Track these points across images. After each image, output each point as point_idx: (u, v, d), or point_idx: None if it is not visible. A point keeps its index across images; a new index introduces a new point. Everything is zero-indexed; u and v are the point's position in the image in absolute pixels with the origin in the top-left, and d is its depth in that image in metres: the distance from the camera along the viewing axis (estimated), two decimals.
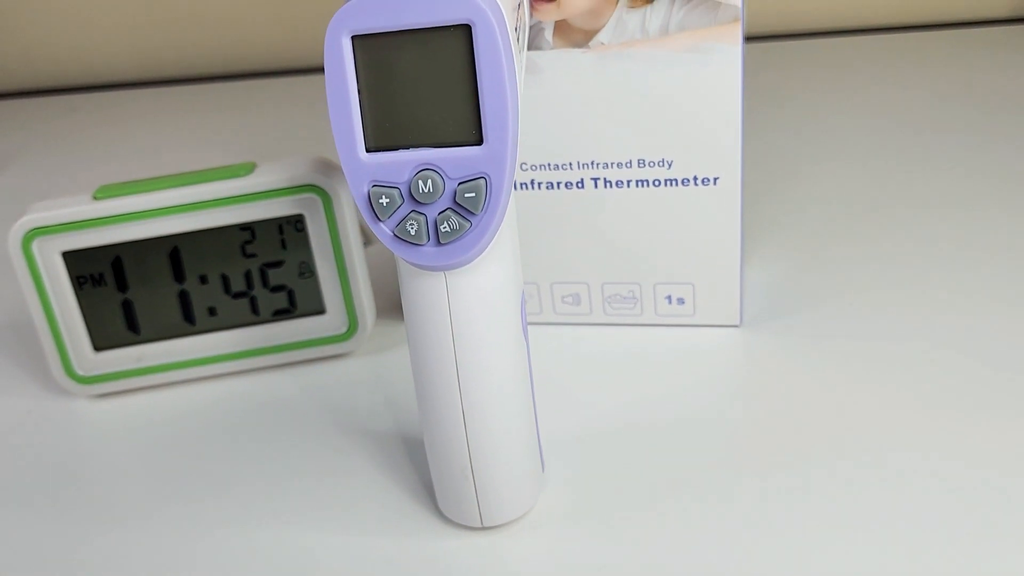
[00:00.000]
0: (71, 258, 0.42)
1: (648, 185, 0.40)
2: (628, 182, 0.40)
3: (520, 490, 0.34)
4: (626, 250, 0.42)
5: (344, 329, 0.44)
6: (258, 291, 0.44)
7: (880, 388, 0.39)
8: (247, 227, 0.42)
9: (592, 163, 0.40)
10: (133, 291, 0.43)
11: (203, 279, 0.43)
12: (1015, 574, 0.30)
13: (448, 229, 0.29)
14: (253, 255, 0.43)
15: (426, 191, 0.28)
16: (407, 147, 0.29)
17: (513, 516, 0.34)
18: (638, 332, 0.44)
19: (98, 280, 0.43)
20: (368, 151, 0.29)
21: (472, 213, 0.29)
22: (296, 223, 0.42)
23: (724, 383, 0.41)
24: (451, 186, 0.29)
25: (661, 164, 0.40)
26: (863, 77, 0.69)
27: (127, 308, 0.43)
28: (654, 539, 0.33)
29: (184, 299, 0.43)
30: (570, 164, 0.40)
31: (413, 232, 0.29)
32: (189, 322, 0.44)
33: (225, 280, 0.43)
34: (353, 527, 0.35)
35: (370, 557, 0.34)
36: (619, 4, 0.37)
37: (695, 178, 0.40)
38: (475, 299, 0.30)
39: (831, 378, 0.40)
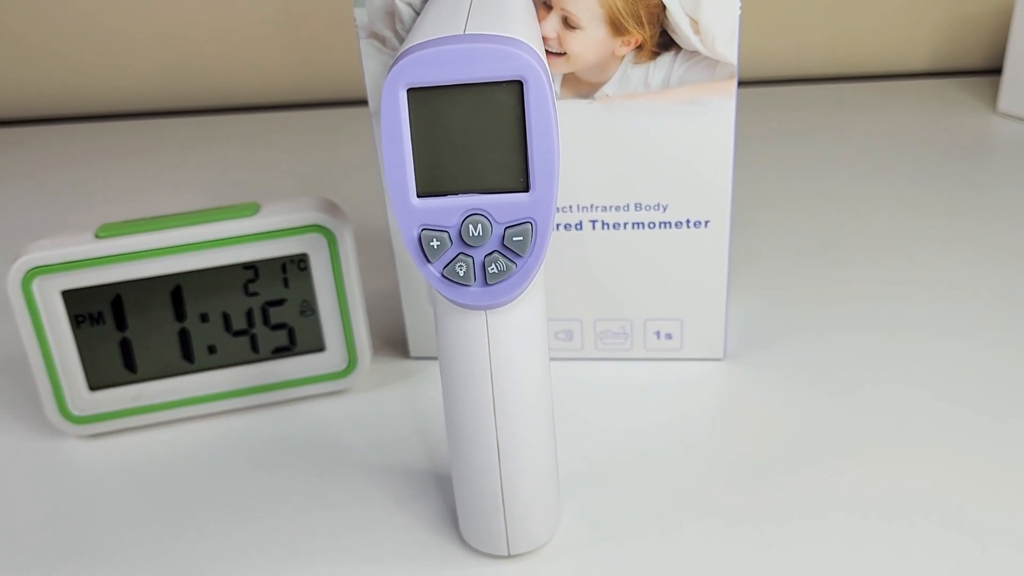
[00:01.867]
0: (71, 297, 0.42)
1: (643, 227, 0.43)
2: (624, 224, 0.43)
3: (545, 518, 0.35)
4: (619, 288, 0.44)
5: (344, 366, 0.45)
6: (259, 329, 0.44)
7: (855, 418, 0.42)
8: (251, 266, 0.43)
9: (591, 206, 0.42)
10: (132, 329, 0.43)
11: (204, 317, 0.44)
12: None
13: (496, 271, 0.30)
14: (255, 293, 0.44)
15: (476, 235, 0.30)
16: (456, 193, 0.30)
17: (538, 544, 0.36)
18: (627, 366, 0.46)
19: (96, 319, 0.43)
20: (419, 196, 0.30)
21: (519, 255, 0.30)
22: (300, 262, 0.43)
23: (711, 414, 0.43)
24: (498, 230, 0.30)
25: (656, 208, 0.42)
26: (802, 124, 0.73)
27: (124, 347, 0.43)
28: (670, 562, 0.35)
29: (184, 337, 0.44)
30: (570, 207, 0.43)
31: (462, 273, 0.31)
32: (188, 360, 0.44)
33: (226, 318, 0.44)
34: (375, 560, 0.36)
35: None
36: (624, 60, 0.39)
37: (688, 221, 0.42)
38: (514, 335, 0.32)
39: (814, 407, 0.43)
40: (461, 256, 0.31)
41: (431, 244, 0.30)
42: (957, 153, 0.66)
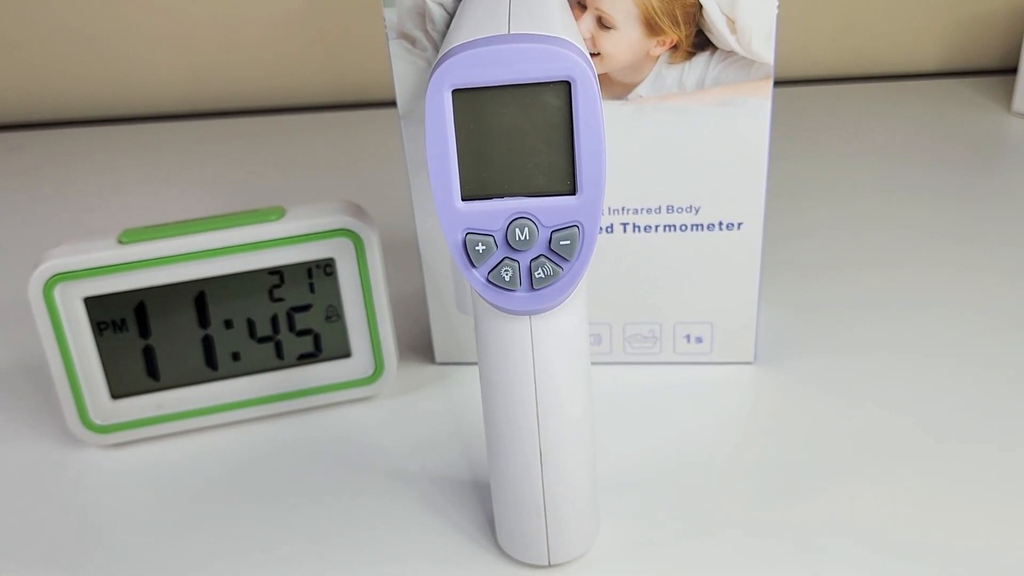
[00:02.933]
0: (93, 304, 0.41)
1: (675, 230, 0.42)
2: (656, 227, 0.42)
3: (586, 528, 0.35)
4: (649, 291, 0.44)
5: (370, 372, 0.44)
6: (284, 335, 0.43)
7: (887, 426, 0.41)
8: (276, 271, 0.42)
9: (623, 209, 0.42)
10: (155, 337, 0.42)
11: (228, 324, 0.43)
12: None
13: (542, 275, 0.30)
14: (281, 299, 0.43)
15: (522, 239, 0.29)
16: (502, 196, 0.30)
17: (578, 553, 0.35)
18: (656, 370, 0.45)
19: (120, 326, 0.42)
20: (464, 200, 0.30)
21: (566, 260, 0.30)
22: (326, 267, 0.42)
23: (742, 419, 0.43)
24: (545, 234, 0.30)
25: (689, 210, 0.42)
26: (813, 126, 0.73)
27: (148, 354, 0.43)
28: (707, 570, 0.35)
29: (208, 344, 0.43)
30: (603, 210, 0.42)
31: (508, 278, 0.30)
32: (212, 368, 0.43)
33: (251, 325, 0.43)
34: (411, 570, 0.36)
35: None
36: (659, 60, 0.38)
37: (720, 223, 0.42)
38: (558, 341, 0.31)
39: (846, 414, 0.42)
40: (507, 260, 0.30)
41: (476, 248, 0.30)
42: (972, 153, 0.66)
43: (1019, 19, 0.77)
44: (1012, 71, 0.77)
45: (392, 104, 0.41)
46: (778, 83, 0.81)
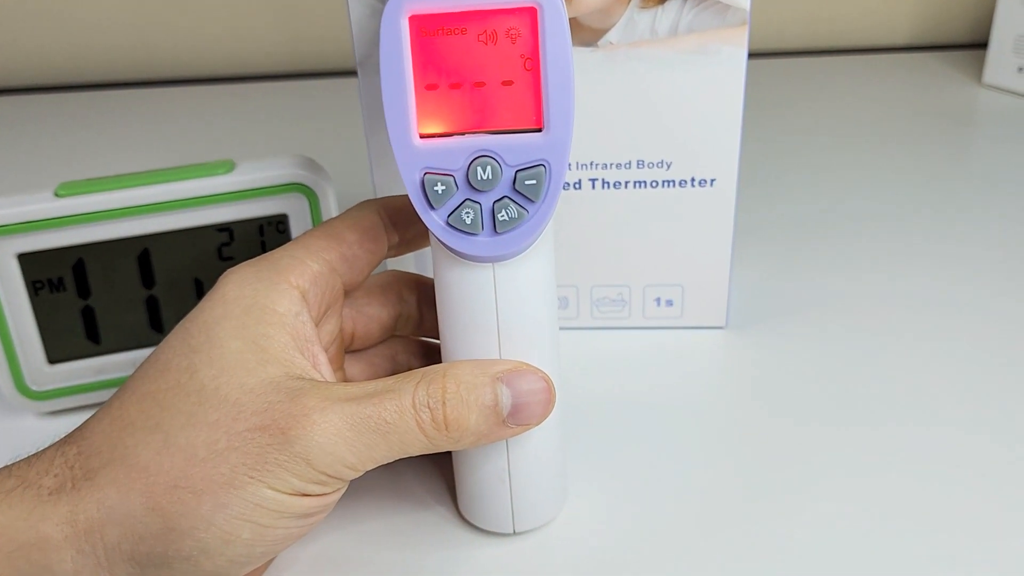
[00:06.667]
0: (28, 261, 0.38)
1: (645, 186, 0.40)
2: (626, 183, 0.40)
3: (553, 494, 0.33)
4: (618, 252, 0.42)
5: None
6: None
7: (859, 389, 0.40)
8: (225, 228, 0.40)
9: (591, 164, 0.40)
10: (95, 297, 0.40)
11: (174, 284, 0.40)
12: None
13: (506, 217, 0.28)
14: (230, 258, 0.40)
15: (485, 178, 0.28)
16: (463, 133, 0.28)
17: (545, 520, 0.33)
18: (625, 335, 0.44)
19: (57, 285, 0.39)
20: (422, 137, 0.28)
21: (531, 201, 0.28)
22: (279, 224, 0.40)
23: (713, 384, 0.41)
24: (509, 173, 0.28)
25: (660, 165, 0.40)
26: (785, 98, 0.72)
27: (88, 316, 0.40)
28: (680, 536, 0.33)
29: (152, 305, 0.41)
30: (569, 165, 0.40)
31: (469, 221, 0.28)
32: (156, 330, 0.41)
33: (199, 285, 0.41)
34: (367, 541, 0.34)
35: (398, 571, 0.32)
36: (631, 4, 0.37)
37: (692, 179, 0.40)
38: (523, 290, 0.29)
39: (818, 378, 0.41)
40: (468, 202, 0.28)
41: (435, 189, 0.28)
42: (944, 125, 0.65)
43: None
44: (983, 45, 0.76)
45: (351, 73, 0.39)
46: (750, 55, 0.80)
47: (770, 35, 0.79)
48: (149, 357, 0.30)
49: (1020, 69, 0.66)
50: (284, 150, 0.65)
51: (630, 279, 0.43)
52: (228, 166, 0.40)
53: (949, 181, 0.57)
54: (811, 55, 0.79)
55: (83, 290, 0.40)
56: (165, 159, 0.65)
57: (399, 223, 0.33)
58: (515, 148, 0.27)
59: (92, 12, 0.78)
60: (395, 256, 0.34)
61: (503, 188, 0.28)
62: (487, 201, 0.28)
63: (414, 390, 0.28)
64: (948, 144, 0.62)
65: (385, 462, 0.28)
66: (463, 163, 0.28)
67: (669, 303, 0.43)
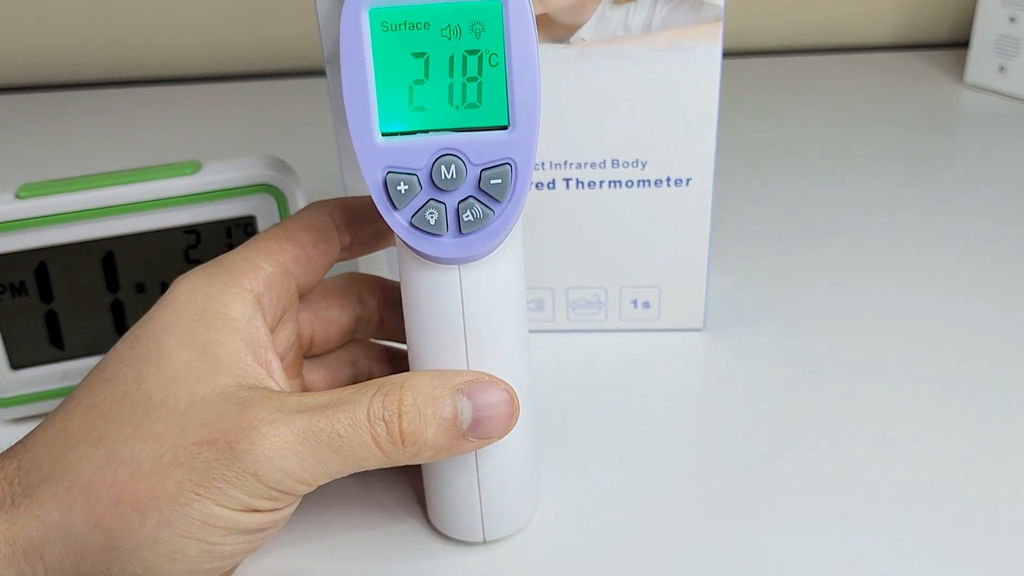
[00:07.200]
0: None
1: (620, 186, 0.40)
2: (601, 183, 0.40)
3: (524, 502, 0.32)
4: (594, 253, 0.41)
5: None
6: None
7: (838, 391, 0.39)
8: (192, 230, 0.39)
9: (565, 163, 0.39)
10: (59, 302, 0.39)
11: (140, 287, 0.40)
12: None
13: (471, 218, 0.27)
14: (197, 260, 0.40)
15: (449, 177, 0.27)
16: (426, 131, 0.27)
17: (516, 528, 0.32)
18: (601, 337, 0.43)
19: (19, 289, 0.38)
20: (384, 135, 0.27)
21: (497, 201, 0.27)
22: (247, 225, 0.39)
23: (690, 388, 0.40)
24: (474, 172, 0.27)
25: (635, 164, 0.39)
26: (765, 98, 0.71)
27: (51, 320, 0.39)
28: (654, 542, 0.32)
29: (117, 310, 0.40)
30: (542, 164, 0.39)
31: (432, 222, 0.27)
32: (122, 335, 0.40)
33: (165, 288, 0.40)
34: (334, 552, 0.33)
35: None
36: (603, 0, 0.36)
37: (668, 179, 0.39)
38: (490, 293, 0.29)
39: (796, 380, 0.40)
40: (432, 202, 0.27)
41: (398, 189, 0.27)
42: (926, 124, 0.64)
43: None
44: (964, 45, 0.76)
45: (320, 73, 0.38)
46: (730, 55, 0.79)
47: (750, 34, 0.79)
48: (96, 366, 0.29)
49: (1001, 69, 0.66)
50: (252, 150, 0.64)
51: (606, 281, 0.42)
52: (194, 167, 0.39)
53: (930, 182, 0.57)
54: (791, 54, 0.78)
55: (46, 294, 0.39)
56: (130, 160, 0.63)
57: (352, 224, 0.32)
58: (480, 146, 0.27)
59: (55, 12, 0.77)
60: (347, 259, 0.33)
61: (468, 188, 0.27)
62: (452, 201, 0.27)
63: (369, 402, 0.27)
64: (929, 145, 0.62)
65: (339, 476, 0.27)
66: (427, 162, 0.27)
67: (646, 305, 0.42)
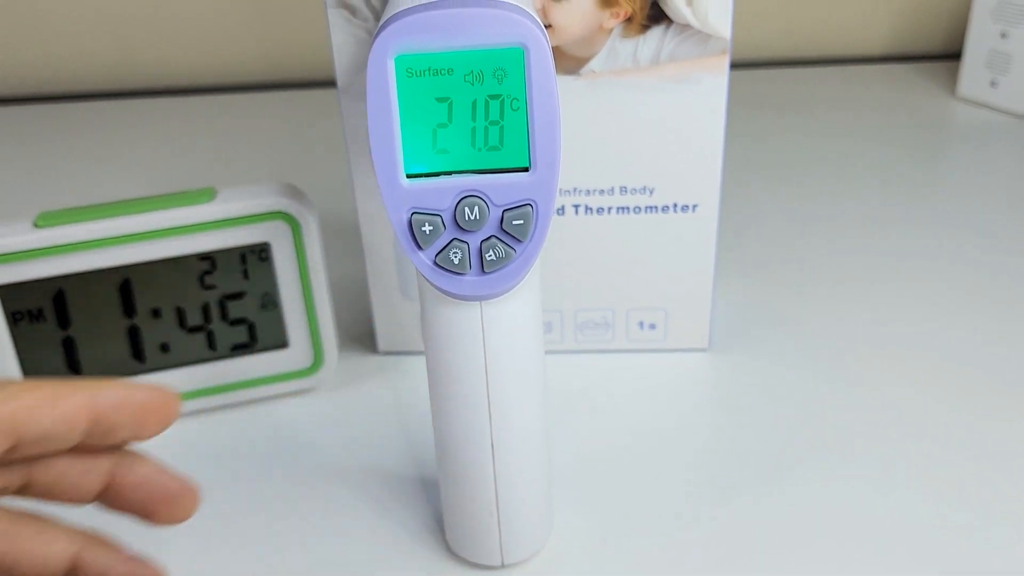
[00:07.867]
0: (7, 292, 0.38)
1: (629, 212, 0.40)
2: (609, 209, 0.40)
3: (540, 526, 0.33)
4: (602, 276, 0.42)
5: (309, 363, 0.42)
6: (216, 325, 0.41)
7: (844, 408, 0.40)
8: (207, 257, 0.40)
9: (575, 190, 0.40)
10: (76, 327, 0.39)
11: (156, 313, 0.40)
12: None
13: (494, 257, 0.28)
14: (212, 286, 0.40)
15: (472, 218, 0.28)
16: (450, 173, 0.28)
17: (533, 551, 0.33)
18: (609, 358, 0.44)
19: (37, 316, 0.39)
20: (409, 177, 0.28)
21: (519, 241, 0.28)
22: (261, 252, 0.40)
23: (698, 406, 0.41)
24: (496, 213, 0.28)
25: (643, 191, 0.40)
26: (759, 109, 0.72)
27: (68, 346, 0.40)
28: (667, 561, 0.33)
29: (133, 335, 0.40)
30: None
31: (456, 261, 0.28)
32: (138, 360, 0.41)
33: (180, 313, 0.40)
34: (355, 573, 0.34)
35: None
36: (612, 34, 0.37)
37: (675, 205, 0.40)
38: (510, 328, 0.29)
39: (802, 398, 0.41)
40: (455, 242, 0.28)
41: (423, 229, 0.28)
42: (918, 138, 0.65)
43: (963, 5, 0.77)
44: (956, 56, 0.77)
45: (331, 84, 0.39)
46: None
47: (743, 47, 0.80)
48: None
49: (992, 83, 0.67)
50: (265, 165, 0.65)
51: (614, 303, 0.43)
52: (209, 194, 0.39)
53: (924, 193, 0.58)
54: (784, 66, 0.79)
55: (63, 320, 0.39)
56: (144, 173, 0.64)
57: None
58: (502, 188, 0.27)
59: (65, 23, 0.78)
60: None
61: (491, 228, 0.28)
62: (475, 241, 0.28)
63: None
64: (923, 156, 0.63)
65: None
66: (450, 203, 0.28)
67: (652, 326, 0.43)
